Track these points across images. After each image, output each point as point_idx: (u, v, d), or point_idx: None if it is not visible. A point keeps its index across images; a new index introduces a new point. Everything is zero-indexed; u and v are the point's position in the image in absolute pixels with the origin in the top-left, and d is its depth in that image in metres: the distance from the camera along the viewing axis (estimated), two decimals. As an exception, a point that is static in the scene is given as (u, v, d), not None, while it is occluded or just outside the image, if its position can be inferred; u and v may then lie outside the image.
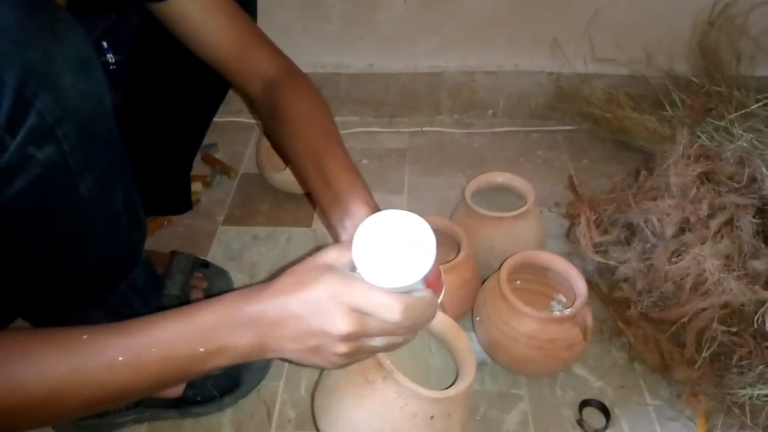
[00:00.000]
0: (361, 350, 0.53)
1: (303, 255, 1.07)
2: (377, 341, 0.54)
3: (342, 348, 0.51)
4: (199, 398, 0.81)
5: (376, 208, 0.66)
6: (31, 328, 0.53)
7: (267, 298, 0.51)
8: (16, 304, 0.70)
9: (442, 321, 0.67)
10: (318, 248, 0.55)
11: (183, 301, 0.91)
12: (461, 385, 0.62)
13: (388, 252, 0.50)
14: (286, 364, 0.88)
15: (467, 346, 0.67)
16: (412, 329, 0.54)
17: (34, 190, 0.55)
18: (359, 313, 0.50)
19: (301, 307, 0.51)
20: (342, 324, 0.50)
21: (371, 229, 0.51)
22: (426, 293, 0.53)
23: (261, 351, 0.52)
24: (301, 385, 0.86)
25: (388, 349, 0.56)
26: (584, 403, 0.82)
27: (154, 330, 0.51)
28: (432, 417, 0.61)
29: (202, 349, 0.51)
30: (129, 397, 0.53)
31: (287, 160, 1.10)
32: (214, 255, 1.07)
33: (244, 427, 0.81)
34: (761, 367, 0.76)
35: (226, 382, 0.83)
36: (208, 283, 0.96)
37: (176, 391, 0.81)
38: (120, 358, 0.49)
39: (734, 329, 0.78)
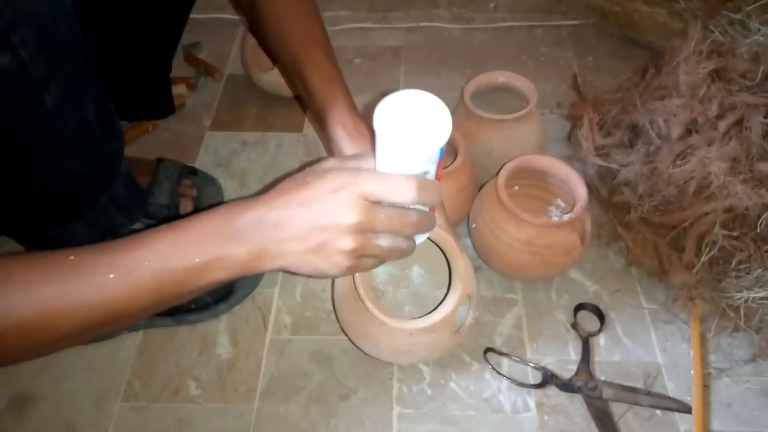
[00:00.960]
0: (367, 249, 0.51)
1: (294, 162, 1.03)
2: (383, 241, 0.52)
3: (348, 243, 0.49)
4: (193, 306, 0.81)
5: (353, 127, 0.64)
6: (16, 253, 0.50)
7: (266, 202, 0.49)
8: None
9: (441, 237, 0.68)
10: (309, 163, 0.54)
11: (172, 209, 0.89)
12: (434, 317, 0.65)
13: (409, 123, 0.50)
14: (281, 273, 0.87)
15: (463, 269, 0.67)
16: (419, 224, 0.52)
17: None
18: (369, 202, 0.49)
19: (305, 203, 0.48)
20: (351, 213, 0.48)
21: (390, 105, 0.51)
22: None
23: (259, 259, 0.50)
24: (296, 291, 0.86)
25: (392, 255, 0.54)
26: (579, 307, 0.82)
27: (146, 244, 0.48)
28: (411, 334, 0.65)
29: (197, 260, 0.48)
30: (124, 318, 0.50)
31: (274, 59, 1.04)
32: (202, 161, 1.03)
33: (239, 333, 0.81)
34: (759, 270, 0.76)
35: (220, 289, 0.82)
36: (197, 190, 0.93)
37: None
38: (111, 275, 0.46)
39: (735, 233, 0.77)
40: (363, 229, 0.49)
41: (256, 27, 0.72)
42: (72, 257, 0.47)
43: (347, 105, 0.65)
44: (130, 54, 0.91)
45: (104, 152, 0.68)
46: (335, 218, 0.48)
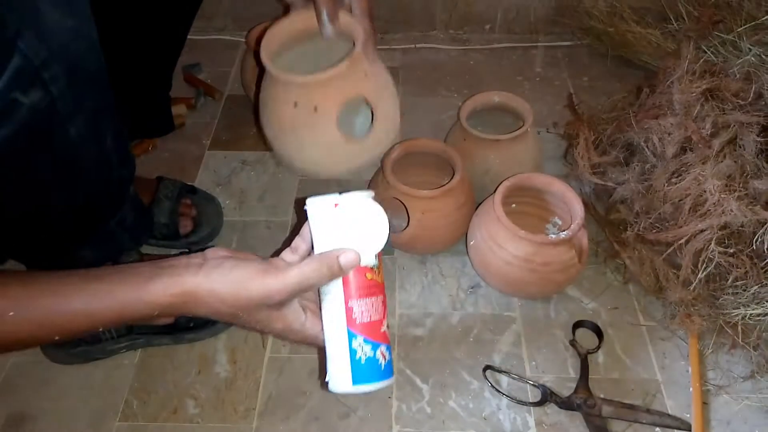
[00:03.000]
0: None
1: (293, 181, 1.04)
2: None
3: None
4: (192, 324, 0.81)
5: None
6: None
7: (204, 295, 0.49)
8: (6, 246, 0.67)
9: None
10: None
11: (171, 228, 0.89)
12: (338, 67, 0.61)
13: (347, 229, 0.50)
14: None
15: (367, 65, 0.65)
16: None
17: (21, 136, 0.51)
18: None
19: (235, 318, 0.51)
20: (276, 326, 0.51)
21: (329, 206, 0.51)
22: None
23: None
24: (294, 310, 0.86)
25: None
26: (577, 324, 0.82)
27: (109, 295, 0.49)
28: (295, 104, 0.62)
29: (156, 313, 0.50)
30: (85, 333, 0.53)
31: None
32: (202, 180, 1.04)
33: (238, 351, 0.81)
34: (756, 287, 0.76)
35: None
36: (197, 209, 0.94)
37: (168, 317, 0.80)
38: (74, 315, 0.48)
39: (731, 250, 0.77)
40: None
41: None
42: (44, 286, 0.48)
43: None
44: (130, 72, 0.92)
45: (117, 178, 0.68)
46: (262, 329, 0.52)
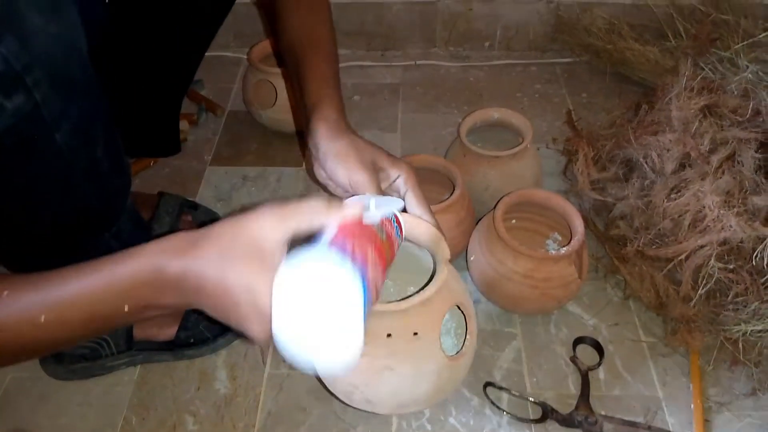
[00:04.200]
0: None
1: (295, 196, 1.04)
2: None
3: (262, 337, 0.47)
4: (191, 340, 0.81)
5: (335, 124, 0.62)
6: None
7: (189, 260, 0.46)
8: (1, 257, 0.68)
9: (424, 232, 0.60)
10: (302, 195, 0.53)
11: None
12: (415, 298, 0.56)
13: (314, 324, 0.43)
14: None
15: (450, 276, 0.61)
16: None
17: (5, 141, 0.51)
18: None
19: (216, 290, 0.46)
20: (258, 331, 0.46)
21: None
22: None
23: (188, 306, 0.49)
24: (294, 326, 0.86)
25: None
26: (578, 341, 0.82)
27: (76, 287, 0.47)
28: (389, 335, 0.56)
29: (126, 307, 0.48)
30: (67, 344, 0.52)
31: (282, 63, 1.06)
32: (203, 196, 1.04)
33: (238, 368, 0.81)
34: (756, 303, 0.76)
35: (218, 324, 0.82)
36: (198, 225, 0.94)
37: (168, 333, 0.80)
38: (43, 318, 0.47)
39: (731, 266, 0.77)
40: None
41: (272, 29, 0.74)
42: (6, 293, 0.47)
43: (335, 103, 0.65)
44: (141, 94, 0.93)
45: (111, 188, 0.68)
46: (244, 327, 0.47)
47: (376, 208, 0.48)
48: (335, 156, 0.61)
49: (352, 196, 0.52)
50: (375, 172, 0.61)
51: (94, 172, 0.63)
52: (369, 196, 0.49)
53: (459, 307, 0.64)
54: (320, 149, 0.63)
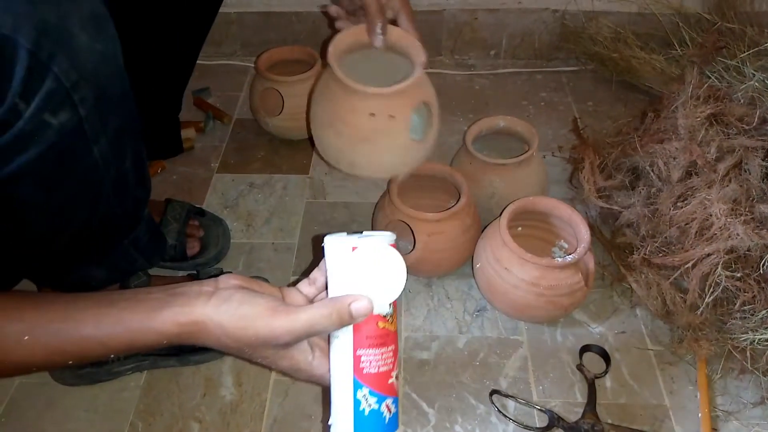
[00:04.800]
0: None
1: (300, 204, 1.05)
2: None
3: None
4: (197, 346, 0.81)
5: None
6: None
7: (212, 327, 0.48)
8: (21, 266, 0.68)
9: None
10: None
11: (179, 250, 0.90)
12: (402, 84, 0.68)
13: (364, 273, 0.48)
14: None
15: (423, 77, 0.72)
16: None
17: (48, 157, 0.52)
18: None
19: (240, 352, 0.50)
20: (283, 364, 0.50)
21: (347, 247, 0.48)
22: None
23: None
24: (300, 332, 0.86)
25: None
26: (584, 349, 0.82)
27: (119, 323, 0.48)
28: (372, 114, 0.69)
29: (165, 342, 0.49)
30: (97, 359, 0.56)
31: None
32: (210, 203, 1.05)
33: (244, 374, 0.81)
34: (764, 312, 0.76)
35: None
36: (205, 231, 0.94)
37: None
38: (85, 341, 0.48)
39: (738, 274, 0.77)
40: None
41: None
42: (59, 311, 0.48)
43: None
44: (141, 94, 0.93)
45: (133, 198, 0.69)
46: (269, 365, 0.50)
47: (364, 248, 0.48)
48: None
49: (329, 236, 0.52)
50: None
51: (122, 184, 0.64)
52: (355, 237, 0.49)
53: (426, 105, 0.74)
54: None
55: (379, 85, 0.69)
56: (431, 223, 0.83)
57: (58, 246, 0.64)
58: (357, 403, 0.48)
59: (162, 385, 0.80)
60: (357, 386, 0.48)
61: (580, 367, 0.80)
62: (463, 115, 1.23)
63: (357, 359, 0.48)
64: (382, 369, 0.48)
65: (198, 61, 1.31)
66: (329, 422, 0.50)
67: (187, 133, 1.13)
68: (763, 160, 0.83)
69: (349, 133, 0.71)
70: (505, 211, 0.81)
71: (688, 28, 1.19)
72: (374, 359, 0.48)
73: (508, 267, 0.78)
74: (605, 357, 0.81)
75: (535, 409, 0.76)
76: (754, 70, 1.01)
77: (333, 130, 0.72)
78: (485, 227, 0.86)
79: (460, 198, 0.84)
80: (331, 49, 0.71)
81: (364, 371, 0.48)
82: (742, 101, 0.92)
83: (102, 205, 0.63)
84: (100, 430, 0.76)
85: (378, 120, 0.69)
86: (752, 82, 0.96)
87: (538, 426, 0.75)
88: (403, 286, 0.48)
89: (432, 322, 0.87)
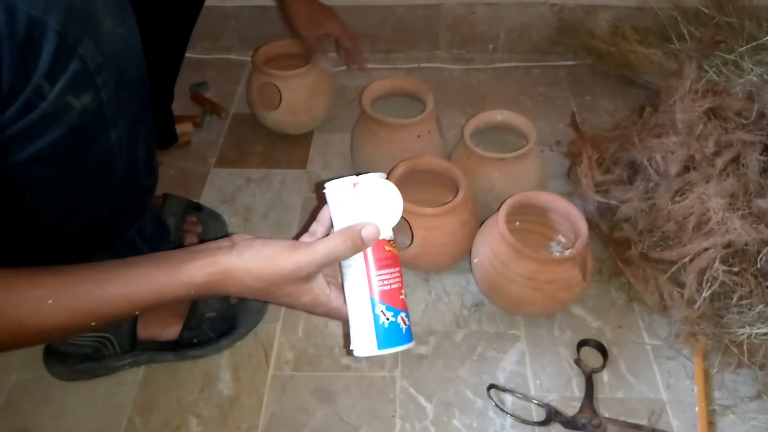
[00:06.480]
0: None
1: (298, 198, 1.04)
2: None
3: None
4: (195, 340, 0.81)
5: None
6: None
7: (238, 272, 0.51)
8: (29, 253, 0.68)
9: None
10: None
11: (176, 244, 0.89)
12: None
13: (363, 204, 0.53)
14: (283, 307, 0.87)
15: None
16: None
17: (67, 140, 0.53)
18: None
19: (266, 293, 0.53)
20: (304, 299, 0.54)
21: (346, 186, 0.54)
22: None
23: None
24: (298, 327, 0.86)
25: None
26: (582, 343, 0.82)
27: (146, 278, 0.50)
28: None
29: (192, 293, 0.51)
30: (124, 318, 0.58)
31: None
32: (207, 198, 1.05)
33: (241, 369, 0.81)
34: (761, 306, 0.76)
35: (222, 324, 0.82)
36: (202, 226, 0.94)
37: (172, 333, 0.81)
38: (113, 299, 0.50)
39: (736, 269, 0.77)
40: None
41: None
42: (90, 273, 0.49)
43: None
44: None
45: (142, 187, 0.69)
46: (292, 303, 0.54)
47: (363, 183, 0.53)
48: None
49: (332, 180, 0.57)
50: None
51: (132, 171, 0.64)
52: (353, 177, 0.54)
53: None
54: None
55: None
56: (429, 217, 0.83)
57: (66, 232, 0.64)
58: (376, 318, 0.53)
59: (160, 380, 0.80)
60: (374, 304, 0.53)
61: (577, 362, 0.80)
62: (460, 109, 1.23)
63: (371, 280, 0.53)
64: (393, 286, 0.54)
65: (195, 56, 1.31)
66: (351, 347, 0.55)
67: (184, 128, 1.13)
68: (761, 155, 0.83)
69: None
70: (503, 205, 0.81)
71: (686, 22, 1.18)
72: (386, 278, 0.54)
73: (505, 262, 0.78)
74: (603, 351, 0.81)
75: (532, 404, 0.76)
76: (753, 65, 1.01)
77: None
78: (483, 222, 0.86)
79: (457, 192, 0.84)
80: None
81: (379, 289, 0.53)
82: (740, 96, 0.92)
83: (113, 193, 0.63)
84: (98, 425, 0.76)
85: None
86: (750, 77, 0.96)
87: (535, 420, 0.75)
88: (401, 210, 0.54)
89: (430, 317, 0.87)
